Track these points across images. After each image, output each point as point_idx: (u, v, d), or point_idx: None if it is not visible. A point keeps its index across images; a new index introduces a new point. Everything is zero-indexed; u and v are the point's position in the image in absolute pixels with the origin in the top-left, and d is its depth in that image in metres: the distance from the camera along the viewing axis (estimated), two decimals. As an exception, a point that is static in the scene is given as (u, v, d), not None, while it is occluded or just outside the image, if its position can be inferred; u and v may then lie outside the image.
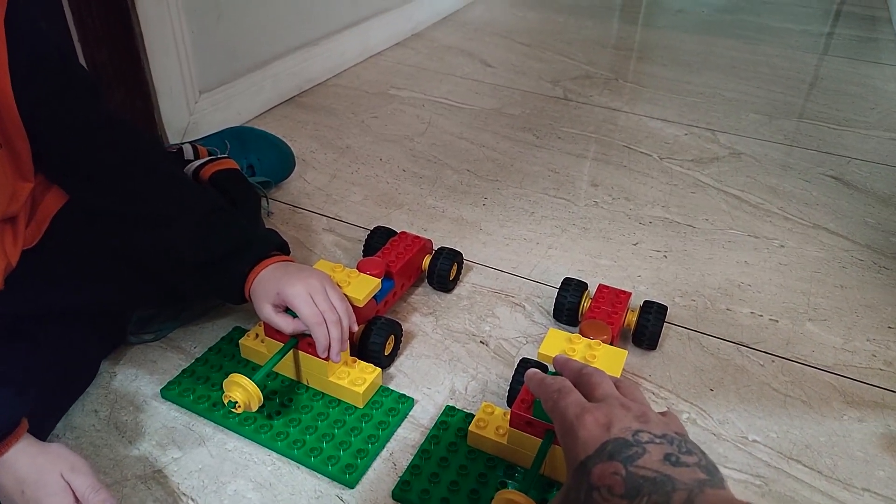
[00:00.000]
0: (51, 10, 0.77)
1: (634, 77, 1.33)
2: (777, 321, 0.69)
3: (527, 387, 0.43)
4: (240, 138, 0.83)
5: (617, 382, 0.38)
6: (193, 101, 0.94)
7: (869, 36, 1.65)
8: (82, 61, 0.80)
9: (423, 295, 0.70)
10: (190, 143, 0.75)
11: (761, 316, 0.69)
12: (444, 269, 0.68)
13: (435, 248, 0.71)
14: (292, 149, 0.91)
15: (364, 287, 0.57)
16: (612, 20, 1.69)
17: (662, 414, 0.36)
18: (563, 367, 0.41)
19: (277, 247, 0.57)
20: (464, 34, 1.53)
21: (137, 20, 0.82)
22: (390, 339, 0.59)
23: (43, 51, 0.48)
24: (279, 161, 0.86)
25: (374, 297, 0.58)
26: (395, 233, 0.72)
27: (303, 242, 0.78)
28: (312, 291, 0.52)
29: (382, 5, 1.36)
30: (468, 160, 0.98)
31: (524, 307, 0.69)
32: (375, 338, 0.58)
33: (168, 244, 0.53)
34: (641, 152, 1.03)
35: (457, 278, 0.71)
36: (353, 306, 0.55)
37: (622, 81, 1.30)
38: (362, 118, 1.09)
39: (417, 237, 0.69)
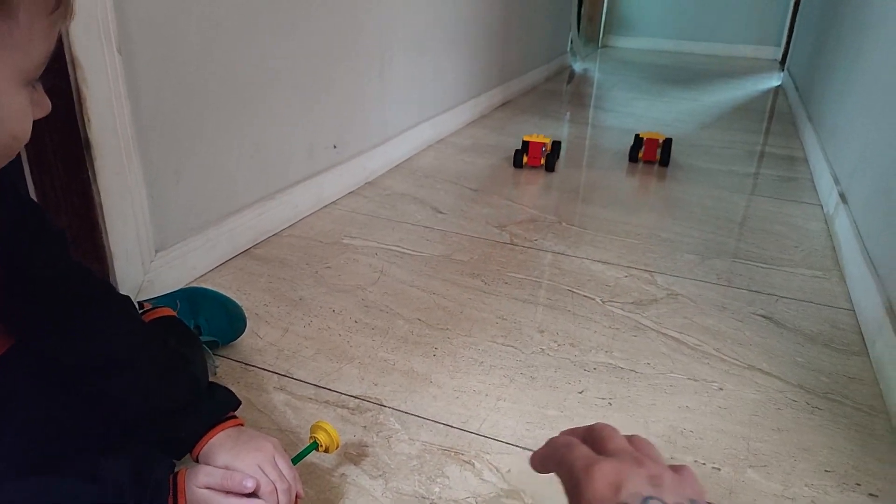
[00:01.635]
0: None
1: (577, 219, 1.41)
2: (719, 469, 0.70)
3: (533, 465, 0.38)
4: (190, 299, 0.85)
5: (629, 437, 0.36)
6: (149, 261, 0.96)
7: (789, 175, 1.80)
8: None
9: (373, 456, 0.70)
10: (136, 303, 0.77)
11: (704, 464, 0.71)
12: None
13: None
14: (245, 303, 0.93)
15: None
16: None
17: (678, 469, 0.33)
18: (569, 433, 0.38)
19: (233, 408, 0.60)
20: (415, 181, 1.62)
21: (98, 191, 0.85)
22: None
23: (22, 212, 0.52)
24: (228, 322, 0.88)
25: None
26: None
27: (253, 403, 0.78)
28: (262, 462, 0.54)
29: (337, 159, 1.44)
30: (419, 308, 1.01)
31: (474, 465, 0.70)
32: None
33: (127, 391, 0.55)
34: (585, 296, 1.08)
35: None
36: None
37: (566, 224, 1.38)
38: (316, 269, 1.13)
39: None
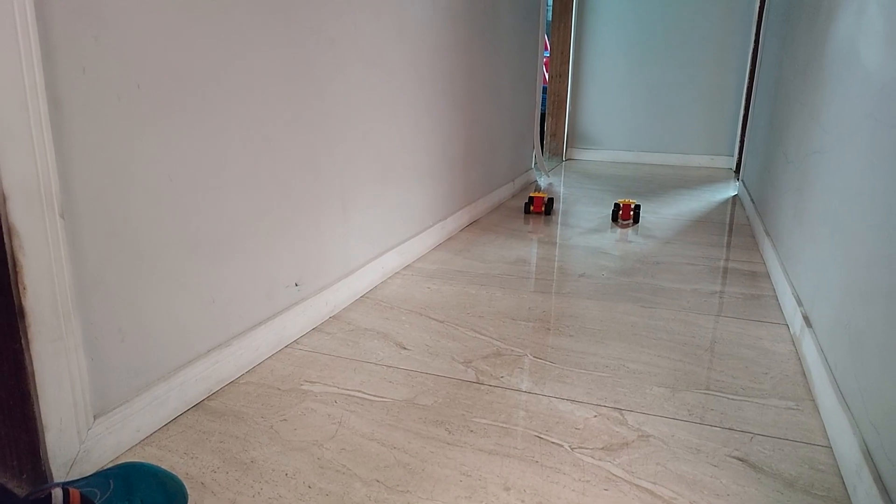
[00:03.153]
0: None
1: (543, 352, 1.38)
2: None
3: None
4: (125, 478, 0.78)
5: None
6: (86, 429, 0.90)
7: (752, 293, 1.81)
8: (-37, 408, 0.77)
9: None
10: (62, 485, 0.71)
11: None
12: None
13: None
14: (191, 470, 0.87)
15: None
16: (521, 290, 1.81)
17: None
18: None
19: None
20: (380, 313, 1.59)
21: (30, 359, 0.81)
22: None
23: None
24: (164, 495, 0.81)
25: None
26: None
27: None
28: None
29: (298, 296, 1.41)
30: (378, 467, 0.95)
31: None
32: None
33: None
34: (553, 442, 1.03)
35: None
36: None
37: (532, 357, 1.35)
38: (271, 422, 1.07)
39: None
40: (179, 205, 1.04)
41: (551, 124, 4.63)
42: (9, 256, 0.77)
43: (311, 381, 1.22)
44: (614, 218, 2.74)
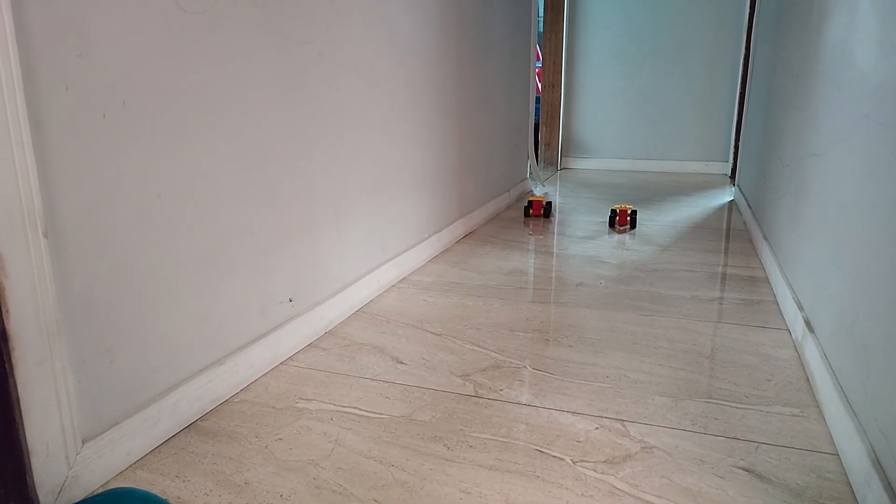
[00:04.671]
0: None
1: (542, 363, 1.36)
2: None
3: None
4: (112, 501, 0.76)
5: None
6: (74, 454, 0.87)
7: (752, 299, 1.79)
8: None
9: None
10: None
11: None
12: None
13: None
14: (183, 494, 0.84)
15: None
16: (518, 300, 1.79)
17: None
18: None
19: None
20: (376, 327, 1.57)
21: (15, 384, 0.79)
22: None
23: None
24: None
25: None
26: None
27: None
28: None
29: (293, 312, 1.39)
30: (376, 486, 0.93)
31: None
32: None
33: None
34: (554, 456, 1.01)
35: None
36: None
37: (531, 369, 1.33)
38: (266, 442, 1.05)
39: None
40: (169, 221, 1.02)
41: (545, 134, 4.63)
42: (-9, 278, 0.75)
43: (306, 399, 1.20)
44: (611, 224, 2.73)
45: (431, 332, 1.54)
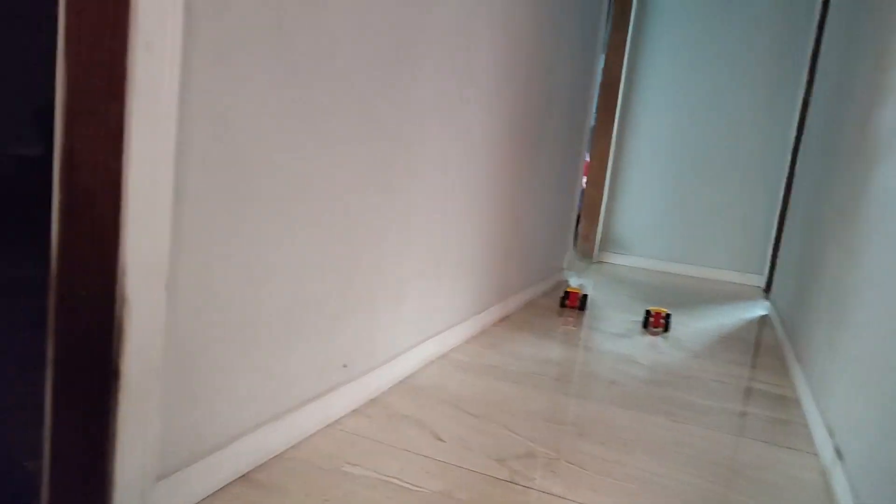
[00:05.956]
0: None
1: (575, 457, 1.41)
2: None
3: None
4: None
5: None
6: (149, 490, 0.95)
7: (782, 418, 1.83)
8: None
9: None
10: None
11: None
12: None
13: None
14: (241, 544, 0.91)
15: None
16: (553, 391, 1.85)
17: None
18: None
19: None
20: (417, 401, 1.64)
21: (115, 419, 0.88)
22: None
23: None
24: None
25: None
26: None
27: None
28: None
29: (344, 378, 1.48)
30: (416, 557, 0.99)
31: None
32: None
33: None
34: (585, 552, 1.05)
35: None
36: None
37: (564, 462, 1.38)
38: (314, 502, 1.11)
39: None
40: (261, 286, 1.13)
41: (584, 226, 4.76)
42: (116, 323, 0.85)
43: (352, 464, 1.27)
44: (645, 325, 2.79)
45: (468, 413, 1.60)
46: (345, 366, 1.48)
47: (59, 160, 0.83)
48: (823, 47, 3.37)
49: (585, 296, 3.01)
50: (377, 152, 1.47)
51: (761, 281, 4.48)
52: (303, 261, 1.25)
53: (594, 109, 4.72)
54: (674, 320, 3.05)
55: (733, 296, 4.01)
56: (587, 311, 3.02)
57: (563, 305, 3.01)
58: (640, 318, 3.00)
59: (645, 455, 1.47)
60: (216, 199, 1.00)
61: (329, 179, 1.30)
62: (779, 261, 3.49)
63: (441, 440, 1.43)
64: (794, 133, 3.93)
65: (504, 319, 2.68)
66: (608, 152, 4.63)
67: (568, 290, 3.03)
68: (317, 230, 1.29)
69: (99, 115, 0.82)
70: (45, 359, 0.90)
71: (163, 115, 0.85)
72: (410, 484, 1.22)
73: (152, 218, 0.87)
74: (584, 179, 4.74)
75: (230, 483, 1.14)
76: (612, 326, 2.79)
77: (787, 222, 3.32)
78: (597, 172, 4.68)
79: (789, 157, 4.02)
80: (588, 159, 4.72)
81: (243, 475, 1.17)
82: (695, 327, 2.95)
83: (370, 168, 1.45)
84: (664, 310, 2.83)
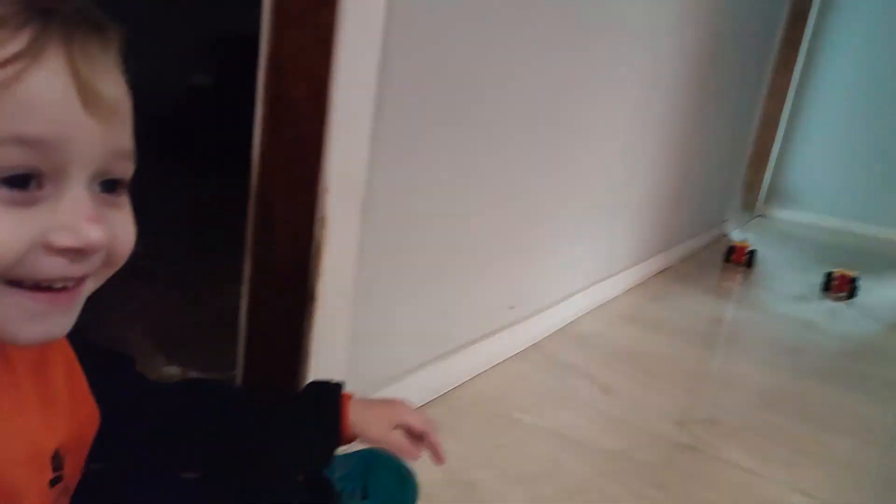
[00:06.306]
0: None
1: (764, 429, 1.27)
2: None
3: None
4: (365, 460, 0.80)
5: None
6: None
7: None
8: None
9: None
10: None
11: None
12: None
13: None
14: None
15: None
16: (729, 353, 1.69)
17: None
18: None
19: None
20: (580, 350, 1.55)
21: (308, 342, 0.86)
22: None
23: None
24: (398, 483, 0.82)
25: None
26: None
27: None
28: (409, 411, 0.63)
29: (508, 320, 1.41)
30: (600, 520, 0.91)
31: None
32: None
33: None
34: (792, 540, 0.93)
35: None
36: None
37: (752, 433, 1.24)
38: (487, 445, 1.07)
39: None
40: (448, 214, 1.08)
41: (748, 174, 4.34)
42: (314, 244, 0.82)
43: (521, 411, 1.20)
44: (825, 288, 2.49)
45: (639, 369, 1.49)
46: (511, 307, 1.41)
47: (265, 70, 0.78)
48: None
49: (753, 251, 2.73)
50: (550, 67, 1.35)
51: (961, 249, 3.89)
52: (486, 191, 1.18)
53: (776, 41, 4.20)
54: (861, 285, 2.71)
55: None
56: (755, 269, 2.75)
57: (727, 260, 2.76)
58: (819, 280, 2.68)
59: (846, 437, 1.29)
60: (413, 115, 0.94)
61: (518, 97, 1.20)
62: None
63: (611, 394, 1.33)
64: None
65: (664, 271, 2.50)
66: (787, 88, 4.09)
67: (734, 243, 2.77)
68: (499, 159, 1.20)
69: (308, 21, 0.76)
70: (240, 278, 0.89)
71: (372, 20, 0.78)
72: (584, 439, 1.14)
73: (354, 132, 0.81)
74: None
75: (402, 416, 1.12)
76: (786, 287, 2.52)
77: None
78: (771, 109, 4.17)
79: None
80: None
81: (414, 409, 1.14)
82: (886, 295, 2.60)
83: (540, 93, 1.33)
84: (850, 272, 2.50)
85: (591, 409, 1.25)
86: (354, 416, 0.59)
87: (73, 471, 0.43)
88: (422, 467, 0.97)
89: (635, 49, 1.67)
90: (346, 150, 0.81)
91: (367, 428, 0.60)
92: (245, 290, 0.88)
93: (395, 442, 0.62)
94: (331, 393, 0.60)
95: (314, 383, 0.63)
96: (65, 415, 0.41)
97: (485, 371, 1.34)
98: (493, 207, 1.23)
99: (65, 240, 0.31)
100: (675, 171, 2.34)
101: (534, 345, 1.53)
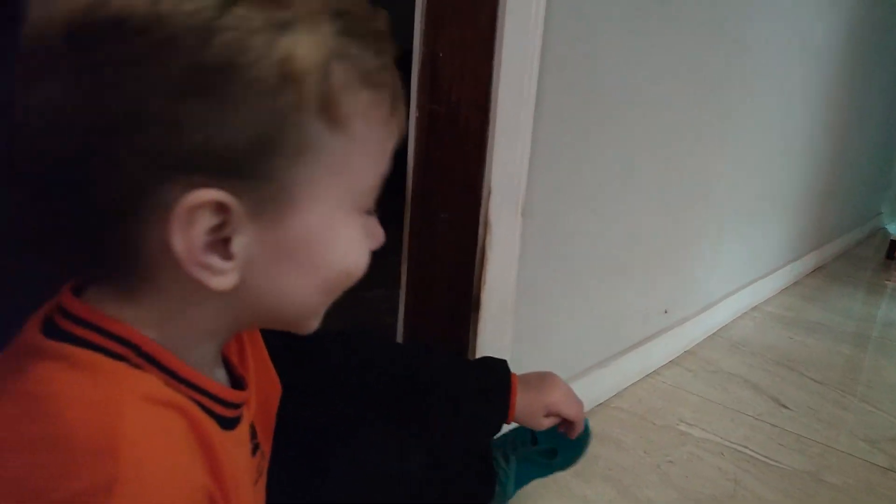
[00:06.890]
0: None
1: (974, 450, 1.10)
2: None
3: None
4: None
5: None
6: (496, 428, 0.90)
7: None
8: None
9: None
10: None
11: None
12: None
13: None
14: (588, 494, 0.82)
15: None
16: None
17: None
18: None
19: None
20: (740, 357, 1.42)
21: (473, 353, 0.82)
22: None
23: None
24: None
25: None
26: None
27: None
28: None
29: (663, 325, 1.32)
30: (800, 550, 0.81)
31: None
32: None
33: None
34: None
35: None
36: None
37: (960, 455, 1.08)
38: (657, 461, 0.99)
39: None
40: (602, 218, 1.01)
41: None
42: (479, 250, 0.78)
43: (687, 423, 1.11)
44: None
45: (810, 378, 1.35)
46: (666, 311, 1.32)
47: (419, 68, 0.76)
48: None
49: None
50: (696, 56, 1.24)
51: None
52: (641, 193, 1.10)
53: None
54: None
55: None
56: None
57: (889, 257, 2.49)
58: None
59: None
60: (571, 116, 0.88)
61: (672, 99, 1.12)
62: None
63: (785, 408, 1.21)
64: None
65: (817, 270, 2.28)
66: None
67: (894, 237, 2.50)
68: (654, 158, 1.12)
69: (467, 17, 0.73)
70: (398, 282, 0.87)
71: (532, 15, 0.74)
72: (763, 456, 1.03)
73: (516, 133, 0.77)
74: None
75: (560, 428, 1.06)
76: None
77: None
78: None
79: None
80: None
81: (572, 421, 1.08)
82: None
83: (692, 80, 1.23)
84: None
85: (766, 423, 1.14)
86: (520, 402, 0.65)
87: (265, 440, 0.45)
88: (593, 484, 0.91)
89: (789, 36, 1.53)
90: (508, 151, 0.77)
91: (524, 412, 0.66)
92: (402, 295, 0.86)
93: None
94: (502, 373, 0.67)
95: (485, 359, 0.70)
96: (253, 386, 0.43)
97: (642, 379, 1.26)
98: (647, 209, 1.15)
99: (374, 245, 0.38)
100: (828, 164, 2.13)
101: (687, 351, 1.43)
